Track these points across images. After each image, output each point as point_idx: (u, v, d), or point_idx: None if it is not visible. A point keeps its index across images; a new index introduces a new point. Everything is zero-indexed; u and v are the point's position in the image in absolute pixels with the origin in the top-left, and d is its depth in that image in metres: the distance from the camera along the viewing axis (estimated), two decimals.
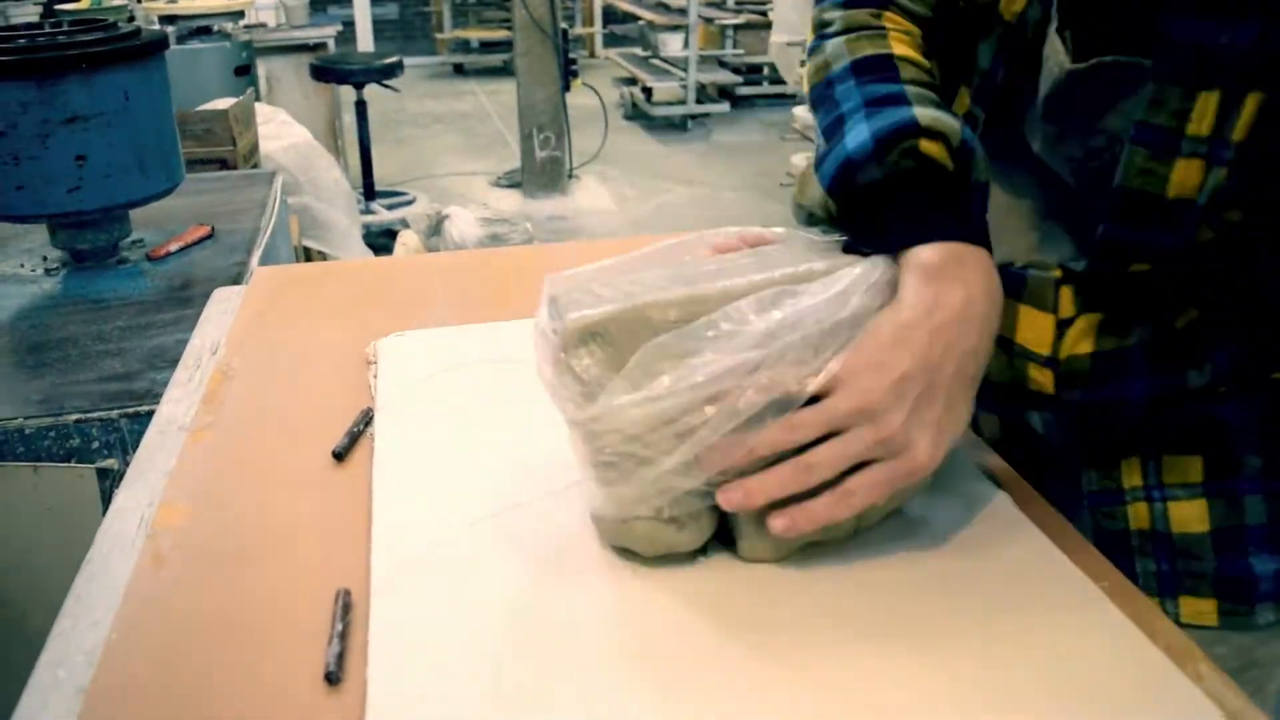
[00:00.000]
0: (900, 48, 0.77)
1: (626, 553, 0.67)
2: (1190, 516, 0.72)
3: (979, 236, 0.67)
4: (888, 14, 0.80)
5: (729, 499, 0.62)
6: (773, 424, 0.61)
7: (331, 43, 4.63)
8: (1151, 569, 0.74)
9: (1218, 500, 0.71)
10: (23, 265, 1.70)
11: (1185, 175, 0.63)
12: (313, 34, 4.59)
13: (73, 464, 1.20)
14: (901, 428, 0.61)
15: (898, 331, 0.62)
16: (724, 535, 0.68)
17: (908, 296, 0.63)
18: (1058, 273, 0.72)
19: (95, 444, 1.21)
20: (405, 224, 4.18)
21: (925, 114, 0.68)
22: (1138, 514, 0.74)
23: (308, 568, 0.68)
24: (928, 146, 0.67)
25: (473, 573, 0.67)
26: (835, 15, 0.81)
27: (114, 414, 1.21)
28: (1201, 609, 0.73)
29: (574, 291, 0.67)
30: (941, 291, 0.63)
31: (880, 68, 0.74)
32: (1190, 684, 0.57)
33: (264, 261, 1.72)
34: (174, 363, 1.03)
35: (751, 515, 0.65)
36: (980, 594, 0.64)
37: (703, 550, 0.68)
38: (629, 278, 0.68)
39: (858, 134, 0.69)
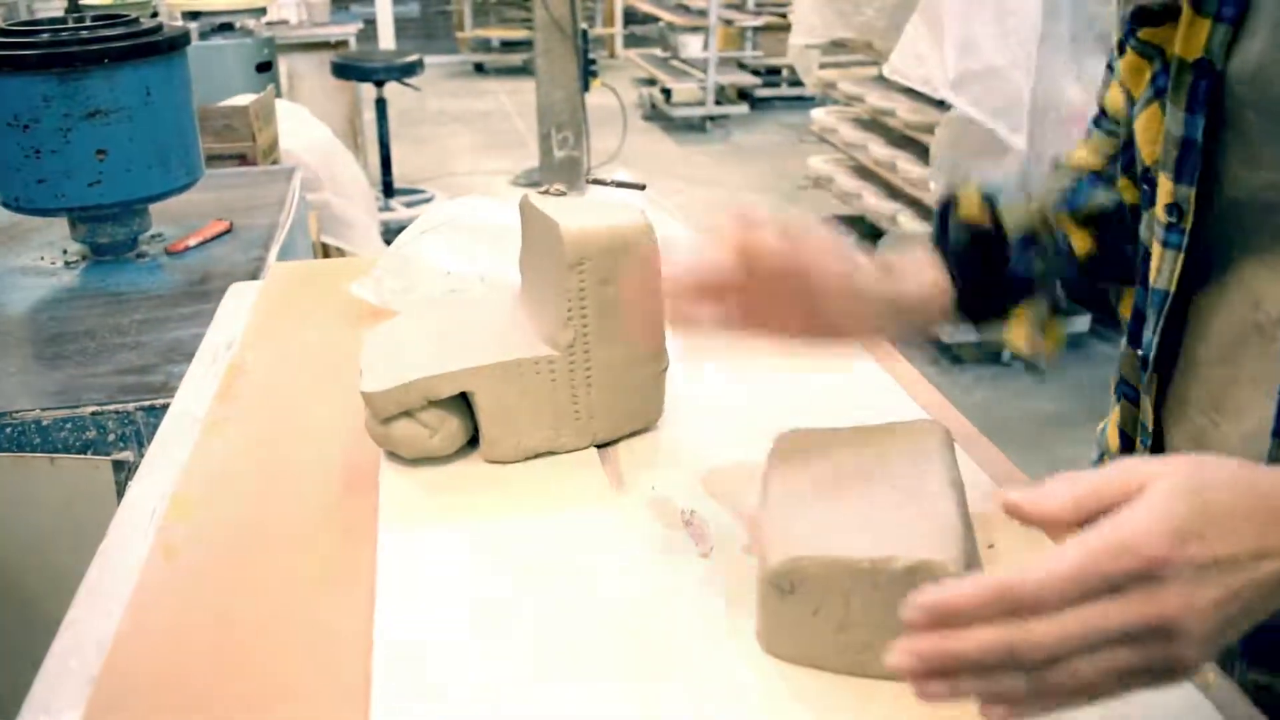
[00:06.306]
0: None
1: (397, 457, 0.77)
2: None
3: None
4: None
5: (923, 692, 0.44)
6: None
7: (353, 40, 4.65)
8: None
9: None
10: (43, 258, 1.71)
11: None
12: (334, 31, 4.61)
13: (89, 456, 1.21)
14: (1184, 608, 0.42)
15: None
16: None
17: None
18: None
19: (111, 436, 1.22)
20: None
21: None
22: None
23: (316, 561, 0.69)
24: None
25: (478, 569, 0.67)
26: None
27: (130, 406, 1.22)
28: None
29: (384, 349, 0.80)
30: None
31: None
32: (1198, 693, 0.56)
33: (282, 257, 1.72)
34: (190, 356, 1.03)
35: (495, 420, 0.76)
36: None
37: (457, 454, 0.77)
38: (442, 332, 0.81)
39: None
